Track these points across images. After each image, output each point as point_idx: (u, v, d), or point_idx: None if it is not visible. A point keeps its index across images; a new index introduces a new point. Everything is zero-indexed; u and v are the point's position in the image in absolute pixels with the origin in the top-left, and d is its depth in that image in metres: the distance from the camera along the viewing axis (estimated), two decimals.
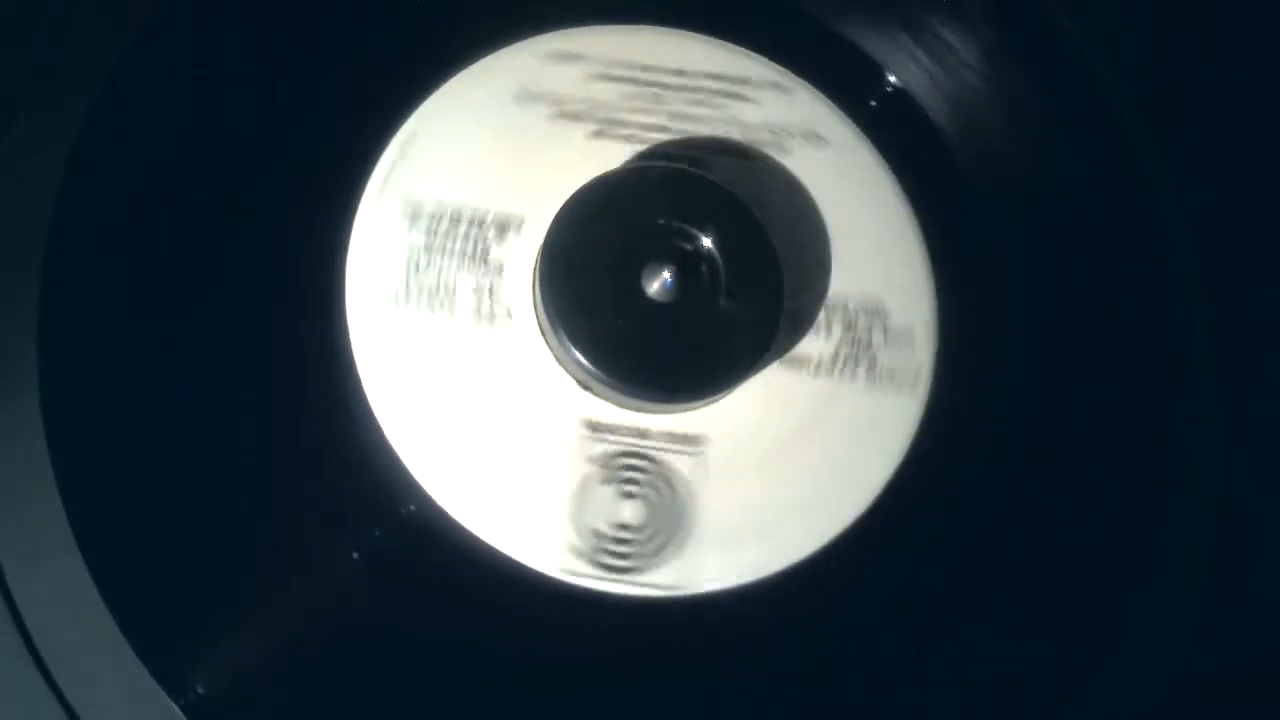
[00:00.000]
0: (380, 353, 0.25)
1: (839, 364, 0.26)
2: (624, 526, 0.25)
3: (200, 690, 0.23)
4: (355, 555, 0.25)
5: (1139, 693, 0.26)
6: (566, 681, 0.25)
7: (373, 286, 0.26)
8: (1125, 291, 0.29)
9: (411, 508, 0.25)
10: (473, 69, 0.27)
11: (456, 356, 0.25)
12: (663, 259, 0.24)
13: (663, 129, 0.27)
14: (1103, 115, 0.30)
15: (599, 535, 0.25)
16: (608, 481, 0.25)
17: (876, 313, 0.27)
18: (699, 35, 0.28)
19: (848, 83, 0.29)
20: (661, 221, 0.25)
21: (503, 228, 0.26)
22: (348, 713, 0.24)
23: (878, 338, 0.27)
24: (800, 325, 0.26)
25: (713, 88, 0.28)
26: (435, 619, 0.25)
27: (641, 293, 0.24)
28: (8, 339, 0.24)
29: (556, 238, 0.25)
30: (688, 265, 0.25)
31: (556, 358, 0.25)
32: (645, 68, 0.27)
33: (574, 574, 0.25)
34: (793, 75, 0.28)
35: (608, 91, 0.27)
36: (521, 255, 0.26)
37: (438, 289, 0.26)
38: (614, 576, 0.25)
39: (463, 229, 0.26)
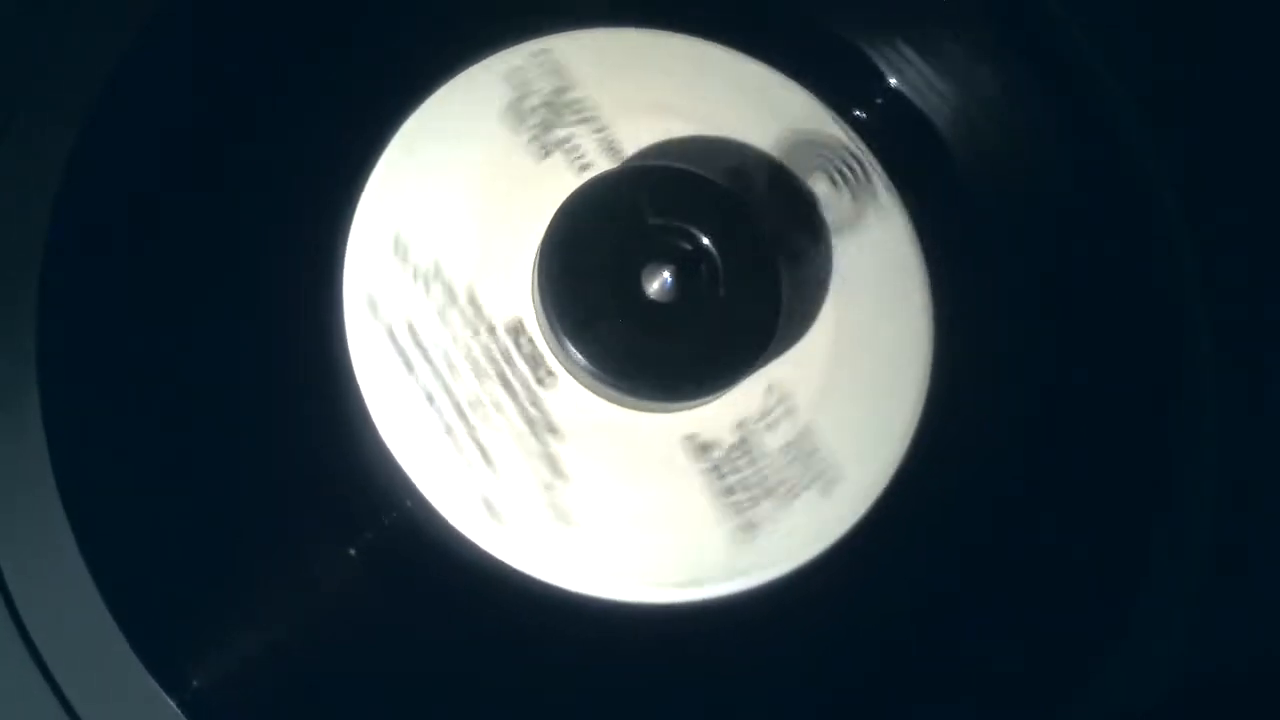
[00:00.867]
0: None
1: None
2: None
3: (197, 687, 0.23)
4: (351, 553, 0.25)
5: (1139, 693, 0.26)
6: (562, 683, 0.25)
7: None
8: (1125, 291, 0.29)
9: (408, 505, 0.25)
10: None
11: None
12: (663, 259, 0.24)
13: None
14: (1102, 115, 0.30)
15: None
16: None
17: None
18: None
19: (846, 85, 0.29)
20: (661, 221, 0.25)
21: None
22: (344, 711, 0.24)
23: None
24: (800, 325, 0.26)
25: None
26: (431, 618, 0.25)
27: (641, 293, 0.24)
28: (8, 339, 0.24)
29: (556, 238, 0.25)
30: (687, 265, 0.25)
31: (556, 357, 0.25)
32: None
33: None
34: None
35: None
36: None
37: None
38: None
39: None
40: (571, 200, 0.25)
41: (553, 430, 0.25)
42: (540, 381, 0.25)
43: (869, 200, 0.27)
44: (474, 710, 0.25)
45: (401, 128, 0.27)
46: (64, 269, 0.25)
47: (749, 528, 0.25)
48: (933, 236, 0.27)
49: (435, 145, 0.26)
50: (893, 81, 0.30)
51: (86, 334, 0.25)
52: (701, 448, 0.25)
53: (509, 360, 0.25)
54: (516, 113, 0.27)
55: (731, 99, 0.28)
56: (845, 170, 0.27)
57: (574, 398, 0.25)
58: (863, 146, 0.28)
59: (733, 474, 0.25)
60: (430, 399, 0.25)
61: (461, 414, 0.25)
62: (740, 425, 0.26)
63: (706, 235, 0.25)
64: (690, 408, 0.25)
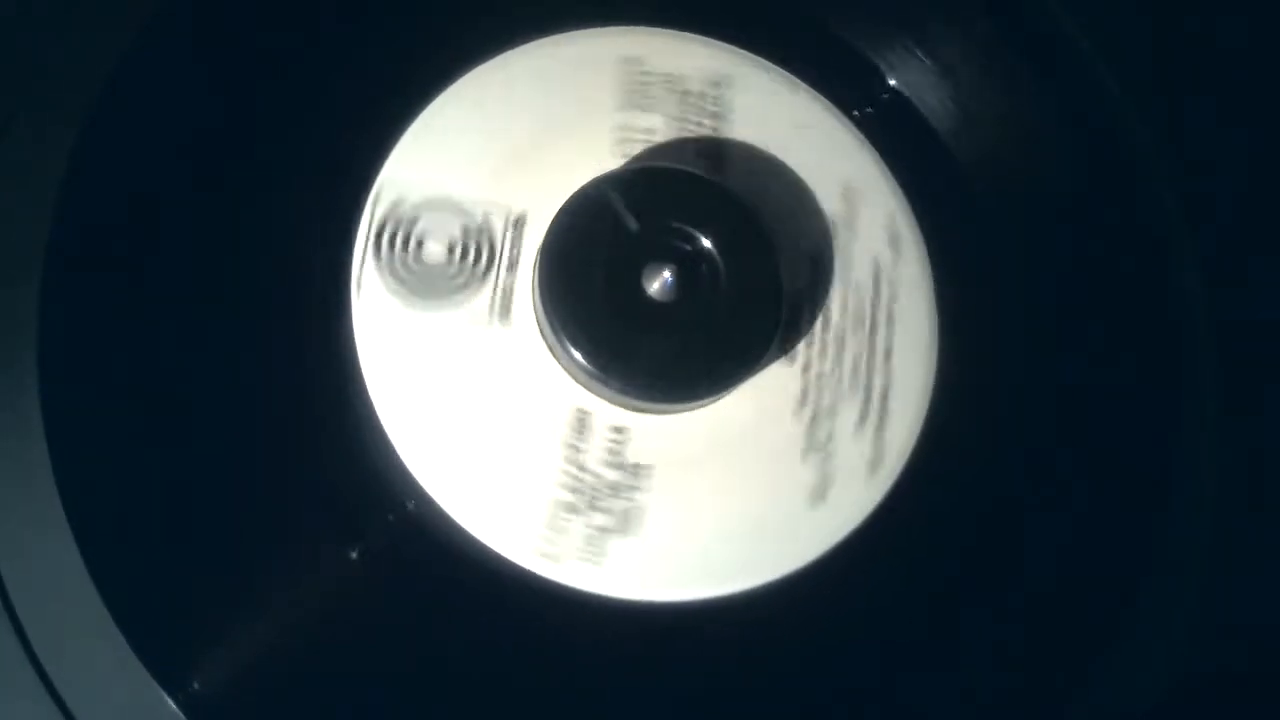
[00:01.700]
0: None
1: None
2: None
3: (197, 687, 0.23)
4: (353, 554, 0.25)
5: (1139, 693, 0.26)
6: (563, 681, 0.25)
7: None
8: (1125, 291, 0.29)
9: (410, 505, 0.25)
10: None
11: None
12: (663, 259, 0.24)
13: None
14: (1102, 115, 0.30)
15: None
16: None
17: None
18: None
19: (847, 85, 0.29)
20: (661, 221, 0.25)
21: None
22: (345, 711, 0.24)
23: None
24: (800, 325, 0.26)
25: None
26: (432, 617, 0.25)
27: (642, 293, 0.24)
28: (8, 339, 0.24)
29: (556, 238, 0.25)
30: (688, 265, 0.25)
31: (556, 357, 0.25)
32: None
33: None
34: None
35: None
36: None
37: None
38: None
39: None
40: (572, 201, 0.25)
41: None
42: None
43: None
44: (475, 710, 0.25)
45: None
46: (65, 269, 0.25)
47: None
48: (933, 236, 0.27)
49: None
50: (893, 82, 0.30)
51: (87, 334, 0.25)
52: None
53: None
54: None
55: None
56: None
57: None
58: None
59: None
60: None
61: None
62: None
63: (706, 235, 0.25)
64: (690, 408, 0.25)
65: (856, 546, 0.25)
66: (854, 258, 0.27)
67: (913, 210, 0.28)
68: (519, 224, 0.26)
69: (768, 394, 0.26)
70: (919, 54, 0.30)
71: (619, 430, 0.25)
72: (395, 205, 0.26)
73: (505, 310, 0.26)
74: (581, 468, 0.25)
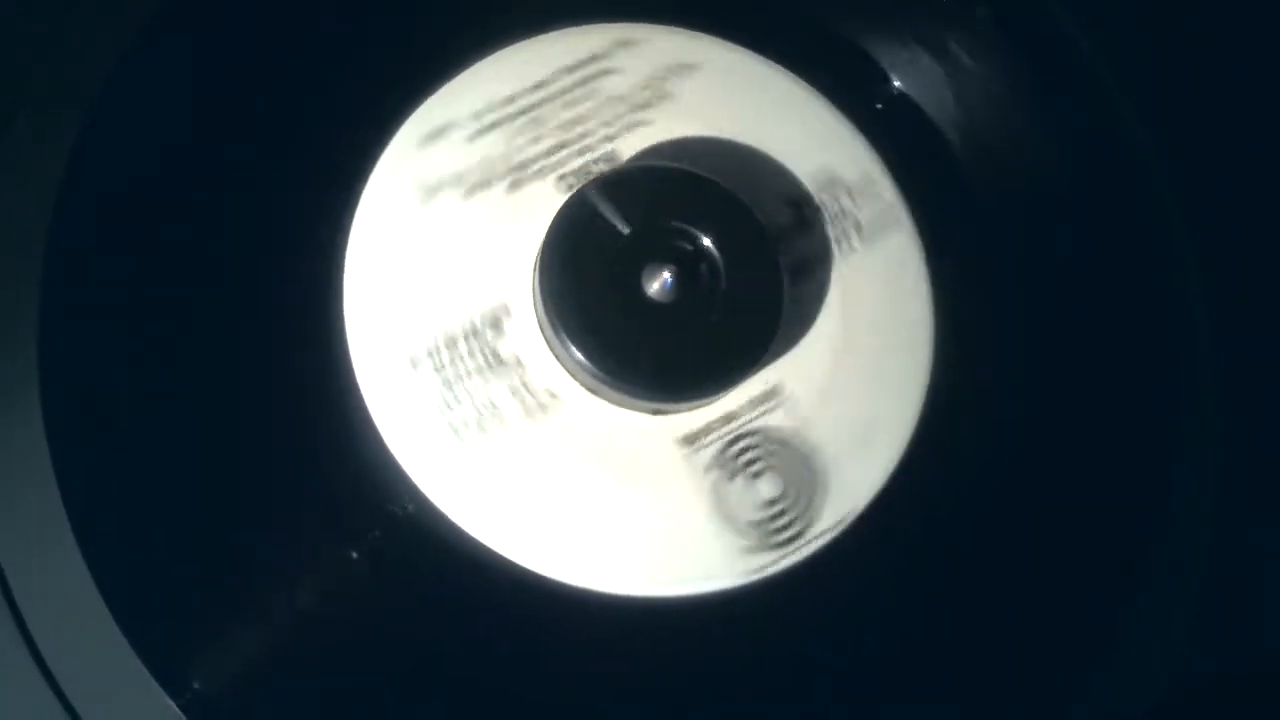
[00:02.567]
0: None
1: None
2: (771, 503, 0.25)
3: (198, 688, 0.23)
4: (353, 555, 0.25)
5: (1139, 693, 0.26)
6: (563, 682, 0.25)
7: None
8: (1126, 291, 0.29)
9: (409, 508, 0.25)
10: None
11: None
12: (663, 259, 0.24)
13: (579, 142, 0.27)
14: (1102, 115, 0.30)
15: (758, 524, 0.25)
16: (732, 475, 0.25)
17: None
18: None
19: (851, 87, 0.29)
20: (661, 221, 0.25)
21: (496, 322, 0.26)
22: (344, 710, 0.24)
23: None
24: (800, 325, 0.26)
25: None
26: (432, 619, 0.25)
27: (641, 293, 0.24)
28: (9, 339, 0.24)
29: (556, 238, 0.25)
30: (688, 265, 0.25)
31: (557, 358, 0.25)
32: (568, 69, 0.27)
33: (760, 570, 0.25)
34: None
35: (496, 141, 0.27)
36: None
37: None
38: (792, 547, 0.25)
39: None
40: (572, 201, 0.25)
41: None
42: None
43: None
44: (475, 710, 0.25)
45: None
46: (64, 268, 0.25)
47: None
48: (934, 237, 0.27)
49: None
50: (896, 83, 0.30)
51: (87, 334, 0.25)
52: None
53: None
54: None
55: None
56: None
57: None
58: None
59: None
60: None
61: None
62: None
63: (706, 235, 0.25)
64: (690, 408, 0.25)
65: (853, 546, 0.25)
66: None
67: (915, 210, 0.28)
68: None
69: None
70: (922, 55, 0.30)
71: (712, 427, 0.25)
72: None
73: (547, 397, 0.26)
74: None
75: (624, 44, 0.27)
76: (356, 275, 0.25)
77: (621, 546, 0.25)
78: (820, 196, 0.27)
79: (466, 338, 0.25)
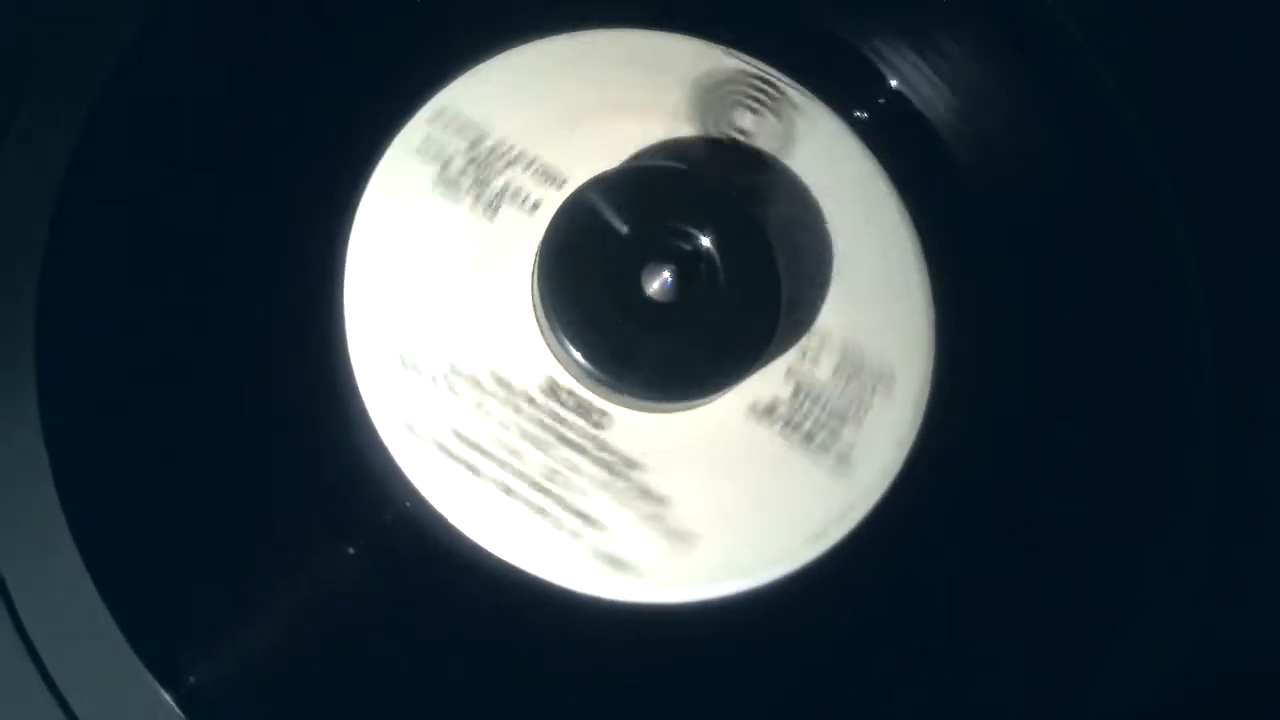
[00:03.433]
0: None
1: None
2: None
3: (196, 686, 0.23)
4: (350, 552, 0.25)
5: (1139, 693, 0.26)
6: (560, 683, 0.25)
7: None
8: (1126, 291, 0.29)
9: (407, 505, 0.25)
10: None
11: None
12: (663, 259, 0.24)
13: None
14: (1102, 115, 0.30)
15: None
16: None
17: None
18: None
19: (848, 86, 0.29)
20: (661, 221, 0.25)
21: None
22: (341, 708, 0.24)
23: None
24: (800, 325, 0.26)
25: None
26: (429, 616, 0.25)
27: (641, 293, 0.24)
28: (7, 338, 0.24)
29: (556, 237, 0.25)
30: (688, 265, 0.25)
31: (556, 357, 0.25)
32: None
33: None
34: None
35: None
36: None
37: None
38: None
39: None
40: (571, 201, 0.25)
41: (631, 464, 0.25)
42: (597, 425, 0.25)
43: (793, 112, 0.27)
44: (474, 710, 0.25)
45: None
46: (64, 267, 0.25)
47: (843, 460, 0.25)
48: (933, 236, 0.27)
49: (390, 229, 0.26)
50: (893, 82, 0.30)
51: (86, 334, 0.25)
52: (766, 411, 0.25)
53: (560, 420, 0.25)
54: (447, 184, 0.26)
55: (628, 76, 0.28)
56: (757, 94, 0.27)
57: (634, 424, 0.25)
58: (762, 66, 0.27)
59: (805, 419, 0.26)
60: (507, 490, 0.25)
61: (542, 489, 0.25)
62: (789, 371, 0.26)
63: (706, 235, 0.25)
64: (690, 408, 0.25)
65: (853, 547, 0.25)
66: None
67: (913, 210, 0.28)
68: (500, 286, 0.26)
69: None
70: (919, 55, 0.30)
71: (616, 423, 0.25)
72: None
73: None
74: (574, 468, 0.25)
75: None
76: (356, 275, 0.25)
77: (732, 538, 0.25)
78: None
79: (511, 416, 0.25)
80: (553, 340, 0.25)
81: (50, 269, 0.24)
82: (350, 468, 0.25)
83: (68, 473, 0.23)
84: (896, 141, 0.28)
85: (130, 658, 0.22)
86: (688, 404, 0.25)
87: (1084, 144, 0.30)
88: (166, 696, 0.23)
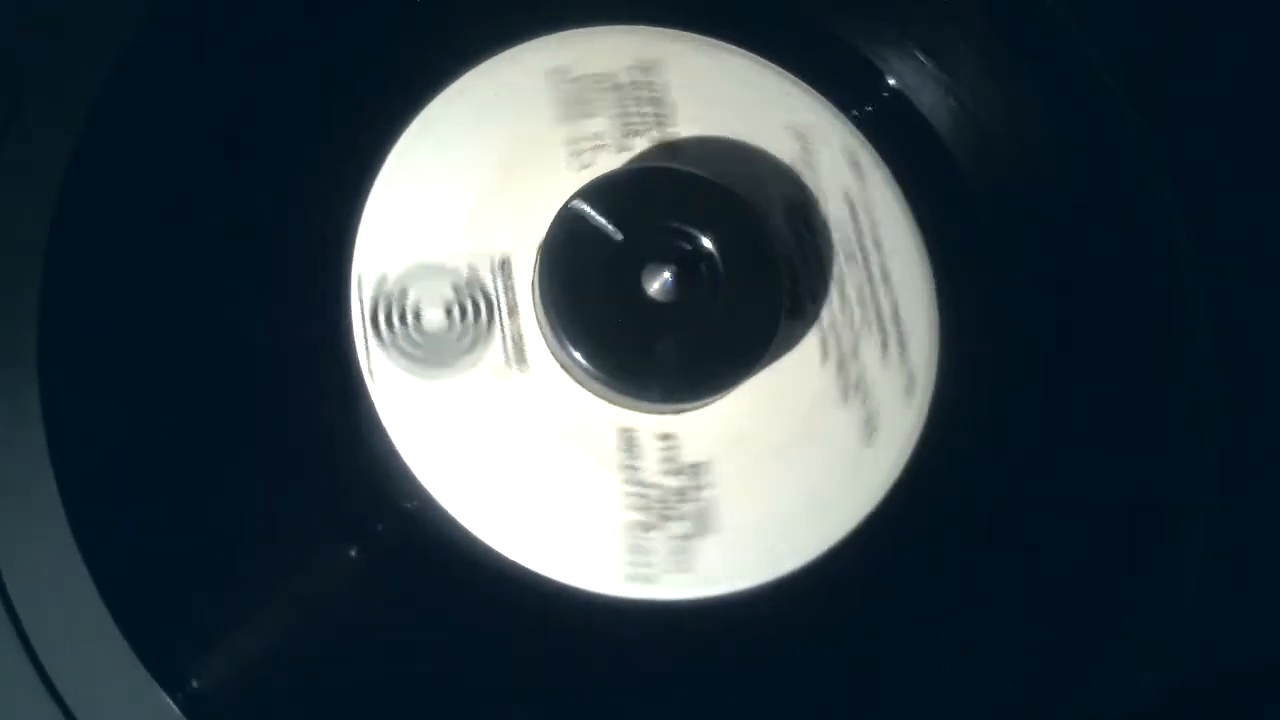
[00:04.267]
0: (382, 349, 0.25)
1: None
2: None
3: (196, 686, 0.23)
4: (352, 553, 0.25)
5: (1139, 693, 0.26)
6: (564, 682, 0.25)
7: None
8: (1126, 292, 0.29)
9: (411, 505, 0.25)
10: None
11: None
12: (663, 259, 0.24)
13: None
14: (1102, 115, 0.30)
15: None
16: None
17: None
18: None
19: (847, 85, 0.29)
20: (661, 221, 0.25)
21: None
22: (344, 710, 0.24)
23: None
24: (800, 326, 0.26)
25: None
26: (432, 617, 0.25)
27: (641, 293, 0.24)
28: (8, 338, 0.24)
29: (556, 237, 0.25)
30: (688, 265, 0.25)
31: (556, 357, 0.25)
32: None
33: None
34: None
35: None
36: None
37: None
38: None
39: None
40: (569, 204, 0.25)
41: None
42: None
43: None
44: (475, 710, 0.25)
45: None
46: (66, 267, 0.25)
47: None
48: (933, 237, 0.27)
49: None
50: (893, 82, 0.30)
51: (88, 332, 0.25)
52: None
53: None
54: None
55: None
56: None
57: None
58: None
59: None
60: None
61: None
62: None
63: (706, 235, 0.25)
64: (690, 408, 0.25)
65: (853, 546, 0.25)
66: (825, 194, 0.27)
67: (913, 210, 0.28)
68: (505, 266, 0.26)
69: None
70: (919, 54, 0.30)
71: (667, 438, 0.25)
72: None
73: (520, 357, 0.25)
74: (644, 484, 0.25)
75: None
76: (369, 358, 0.25)
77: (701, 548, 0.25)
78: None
79: (493, 389, 0.25)
80: (553, 340, 0.25)
81: (51, 269, 0.24)
82: (355, 467, 0.25)
83: (69, 474, 0.23)
84: (896, 141, 0.28)
85: (131, 660, 0.22)
86: (688, 405, 0.25)
87: (1084, 144, 0.30)
88: (168, 699, 0.23)
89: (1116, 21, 0.30)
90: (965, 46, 0.30)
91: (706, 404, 0.25)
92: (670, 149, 0.27)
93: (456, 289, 0.26)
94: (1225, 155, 0.29)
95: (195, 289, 0.26)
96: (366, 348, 0.25)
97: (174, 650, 0.23)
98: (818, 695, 0.26)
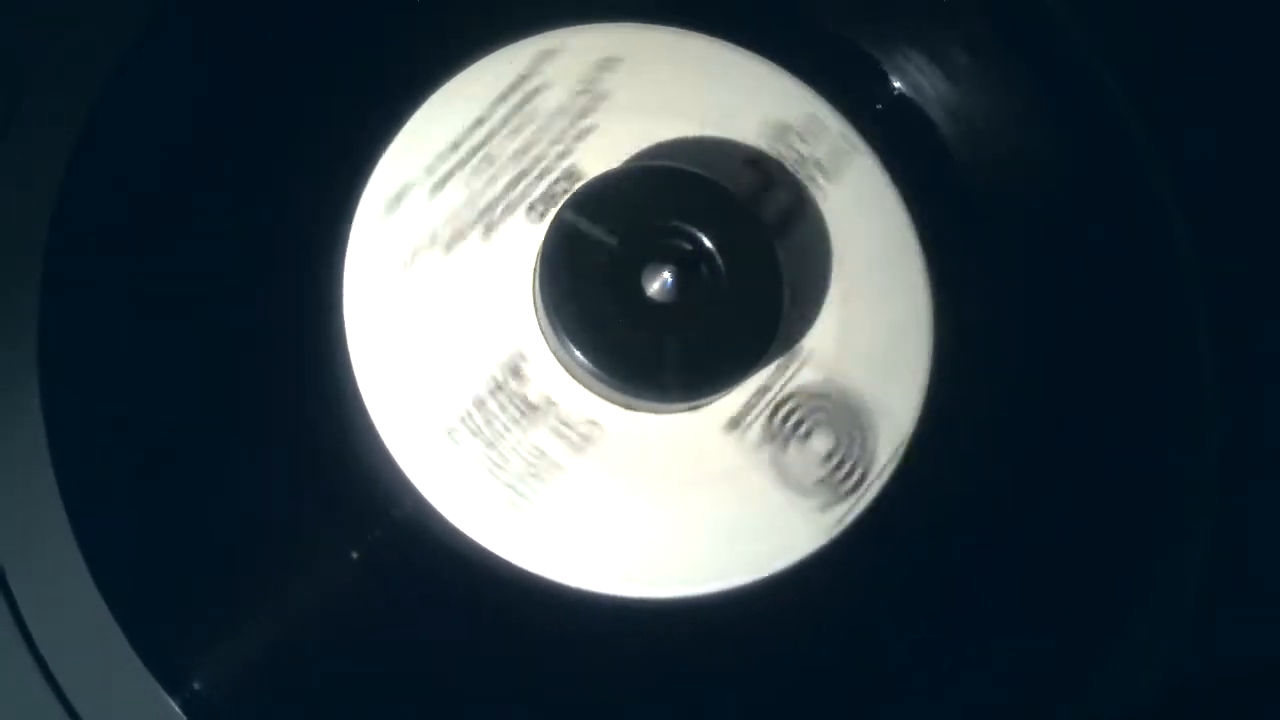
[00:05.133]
0: (377, 353, 0.25)
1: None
2: (830, 455, 0.25)
3: (198, 688, 0.23)
4: (353, 555, 0.25)
5: (1139, 693, 0.26)
6: (561, 683, 0.25)
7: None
8: (1125, 293, 0.29)
9: (409, 507, 0.25)
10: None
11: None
12: (663, 259, 0.24)
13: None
14: (1102, 115, 0.30)
15: (824, 481, 0.25)
16: (785, 443, 0.25)
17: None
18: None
19: (851, 87, 0.29)
20: (661, 221, 0.25)
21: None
22: (344, 712, 0.24)
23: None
24: (800, 325, 0.26)
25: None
26: (431, 619, 0.25)
27: (641, 293, 0.24)
28: (8, 338, 0.24)
29: (557, 237, 0.25)
30: (688, 265, 0.25)
31: (557, 357, 0.25)
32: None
33: (840, 521, 0.25)
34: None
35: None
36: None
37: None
38: (863, 489, 0.25)
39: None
40: (572, 201, 0.25)
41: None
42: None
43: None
44: (476, 710, 0.25)
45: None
46: (64, 268, 0.25)
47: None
48: (934, 237, 0.27)
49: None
50: (896, 83, 0.30)
51: (87, 333, 0.25)
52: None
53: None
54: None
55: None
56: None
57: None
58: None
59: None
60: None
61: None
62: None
63: (706, 235, 0.25)
64: (690, 408, 0.25)
65: (852, 544, 0.25)
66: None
67: (914, 210, 0.28)
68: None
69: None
70: (921, 56, 0.30)
71: (616, 424, 0.25)
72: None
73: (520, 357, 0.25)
74: (576, 469, 0.25)
75: (545, 56, 0.27)
76: (357, 275, 0.25)
77: (689, 546, 0.25)
78: (776, 148, 0.27)
79: (470, 336, 0.25)
80: (553, 339, 0.25)
81: (51, 269, 0.24)
82: (352, 470, 0.25)
83: (70, 475, 0.23)
84: (897, 142, 0.28)
85: (133, 661, 0.23)
86: (688, 405, 0.25)
87: (1084, 144, 0.30)
88: (169, 699, 0.23)
89: (1116, 21, 0.30)
90: (966, 47, 0.30)
91: (705, 403, 0.25)
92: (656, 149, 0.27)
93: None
94: (1225, 155, 0.29)
95: (195, 290, 0.26)
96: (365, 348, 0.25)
97: (177, 652, 0.23)
98: (817, 695, 0.26)
